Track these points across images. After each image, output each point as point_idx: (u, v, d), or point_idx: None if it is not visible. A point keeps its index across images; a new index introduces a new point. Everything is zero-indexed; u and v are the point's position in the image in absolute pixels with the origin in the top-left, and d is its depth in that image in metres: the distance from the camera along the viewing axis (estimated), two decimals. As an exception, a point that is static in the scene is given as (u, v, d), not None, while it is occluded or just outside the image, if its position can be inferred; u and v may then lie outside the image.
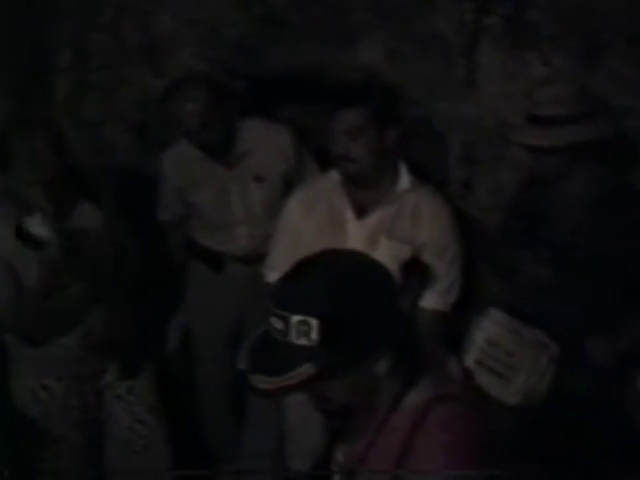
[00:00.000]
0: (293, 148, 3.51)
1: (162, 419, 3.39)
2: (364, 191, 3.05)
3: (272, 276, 3.02)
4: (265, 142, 3.48)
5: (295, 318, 1.64)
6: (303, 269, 1.74)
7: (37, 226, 2.84)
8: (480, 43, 3.37)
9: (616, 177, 3.02)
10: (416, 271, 2.89)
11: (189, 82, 3.36)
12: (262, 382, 1.68)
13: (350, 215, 3.05)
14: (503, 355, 2.96)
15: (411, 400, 1.78)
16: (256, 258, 3.36)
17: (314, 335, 1.63)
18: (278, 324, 1.67)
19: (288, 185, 3.47)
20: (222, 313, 3.67)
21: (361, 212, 3.05)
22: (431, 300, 2.97)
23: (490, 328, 2.99)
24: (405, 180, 3.05)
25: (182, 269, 3.82)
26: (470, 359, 3.02)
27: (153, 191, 3.72)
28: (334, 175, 3.11)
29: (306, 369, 1.64)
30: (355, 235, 2.98)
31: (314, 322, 1.63)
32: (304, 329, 1.64)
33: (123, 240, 3.21)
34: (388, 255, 2.78)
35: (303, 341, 1.64)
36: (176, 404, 3.54)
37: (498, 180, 3.43)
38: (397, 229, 3.00)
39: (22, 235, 2.85)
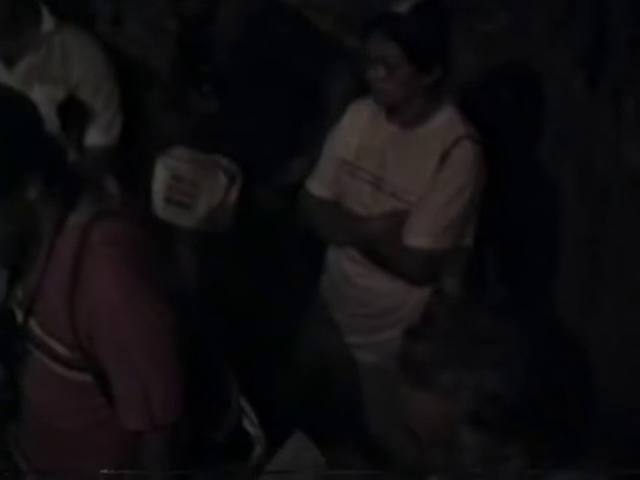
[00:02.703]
0: None
1: None
2: (8, 41, 2.96)
3: None
4: None
5: None
6: None
7: None
8: None
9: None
10: (74, 110, 2.88)
11: None
12: None
13: None
14: (188, 187, 3.02)
15: (73, 221, 1.81)
16: None
17: None
18: None
19: None
20: None
21: (9, 62, 2.97)
22: (94, 136, 2.98)
23: (174, 165, 3.03)
24: (48, 22, 2.98)
25: None
26: (159, 198, 3.06)
27: None
28: None
29: None
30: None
31: None
32: None
33: None
34: (44, 99, 2.76)
35: None
36: None
37: (148, 14, 3.41)
38: (49, 72, 2.96)
39: None
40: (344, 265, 2.75)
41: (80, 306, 1.79)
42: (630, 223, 2.77)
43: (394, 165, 2.61)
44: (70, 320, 1.80)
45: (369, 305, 2.72)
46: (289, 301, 3.01)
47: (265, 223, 3.07)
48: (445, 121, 2.58)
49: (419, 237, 2.55)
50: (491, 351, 1.24)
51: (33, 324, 1.89)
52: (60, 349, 1.85)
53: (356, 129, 2.67)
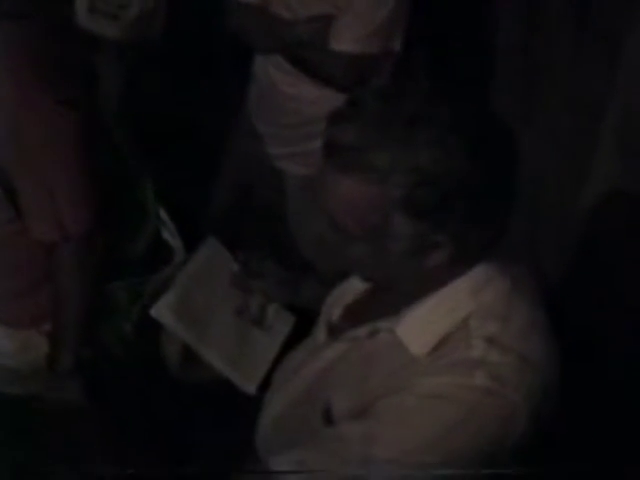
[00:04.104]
0: None
1: None
2: None
3: None
4: None
5: None
6: None
7: None
8: None
9: None
10: None
11: None
12: None
13: None
14: None
15: None
16: None
17: None
18: None
19: None
20: None
21: None
22: None
23: None
24: None
25: None
26: (83, 7, 2.93)
27: None
28: None
29: None
30: None
31: None
32: None
33: None
34: None
35: None
36: None
37: None
38: None
39: None
40: (271, 73, 2.63)
41: None
42: (563, 32, 2.70)
43: (322, -34, 2.46)
44: None
45: (297, 113, 2.62)
46: (216, 111, 2.90)
47: (191, 33, 2.95)
48: None
49: (345, 41, 2.42)
50: (425, 130, 1.16)
51: None
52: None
53: None
